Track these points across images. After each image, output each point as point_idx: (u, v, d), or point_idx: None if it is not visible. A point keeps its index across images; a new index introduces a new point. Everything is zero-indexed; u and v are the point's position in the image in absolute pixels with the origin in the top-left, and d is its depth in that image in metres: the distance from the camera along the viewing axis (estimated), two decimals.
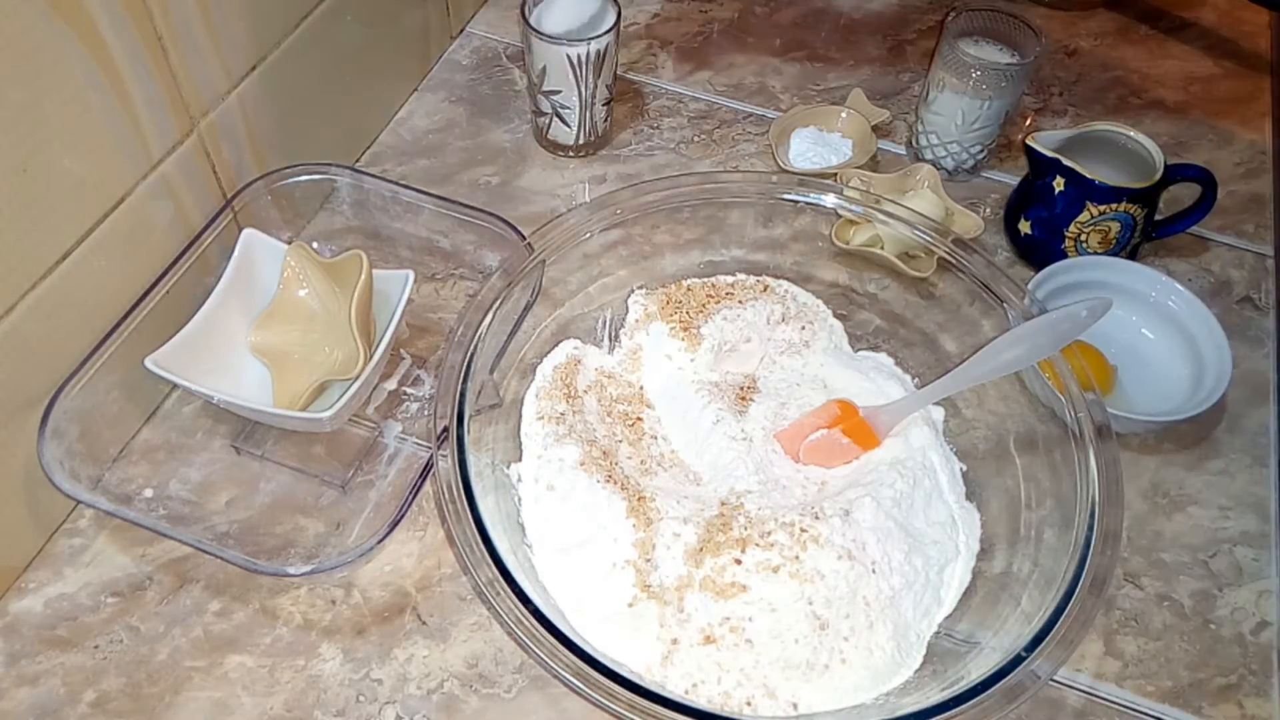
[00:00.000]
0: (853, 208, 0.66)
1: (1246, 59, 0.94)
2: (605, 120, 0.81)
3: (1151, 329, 0.71)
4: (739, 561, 0.54)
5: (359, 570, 0.59)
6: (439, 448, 0.53)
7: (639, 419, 0.64)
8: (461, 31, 0.92)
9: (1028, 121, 0.87)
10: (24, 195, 0.51)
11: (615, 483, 0.57)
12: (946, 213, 0.73)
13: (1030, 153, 0.73)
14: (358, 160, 0.81)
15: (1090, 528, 0.52)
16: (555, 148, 0.82)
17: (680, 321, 0.66)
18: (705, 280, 0.69)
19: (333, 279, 0.64)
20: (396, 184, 0.69)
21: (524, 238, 0.63)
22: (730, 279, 0.70)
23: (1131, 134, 0.72)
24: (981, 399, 0.64)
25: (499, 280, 0.59)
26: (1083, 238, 0.72)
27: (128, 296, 0.60)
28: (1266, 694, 0.57)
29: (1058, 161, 0.71)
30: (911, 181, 0.77)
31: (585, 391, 0.64)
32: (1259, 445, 0.67)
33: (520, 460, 0.60)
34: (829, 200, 0.65)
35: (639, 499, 0.57)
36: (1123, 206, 0.70)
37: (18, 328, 0.53)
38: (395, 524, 0.55)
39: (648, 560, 0.55)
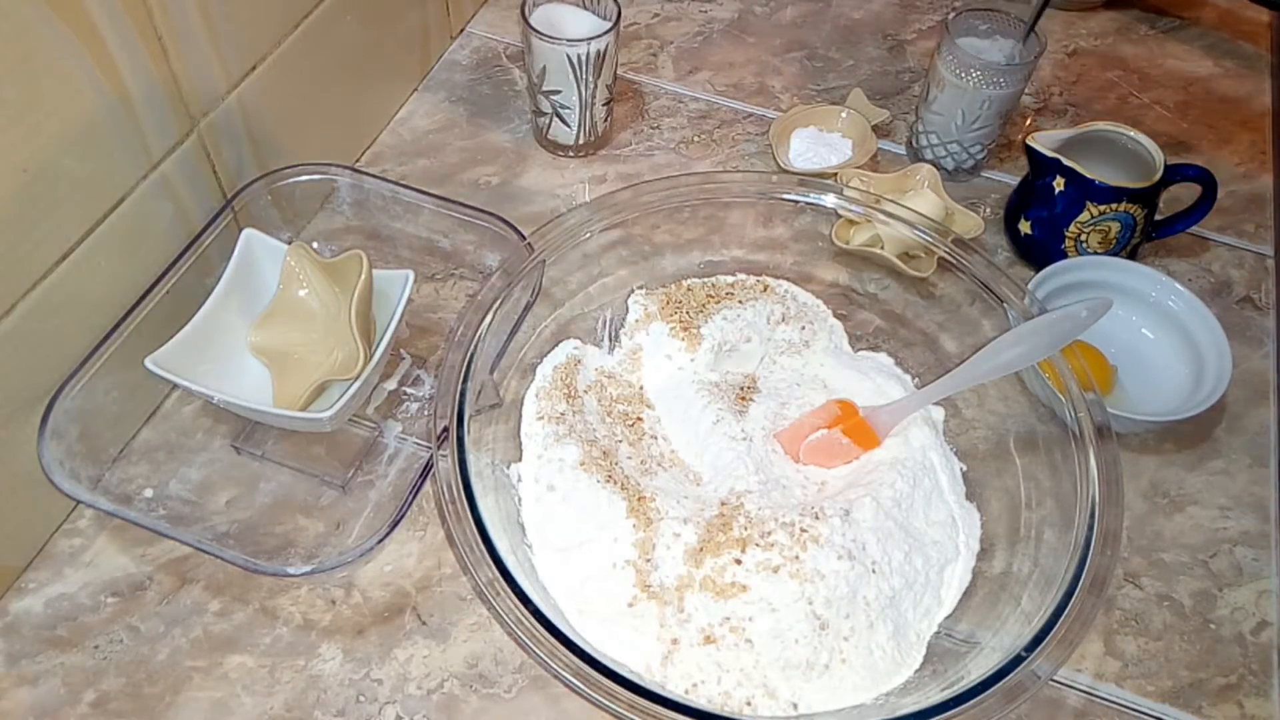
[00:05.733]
0: (853, 208, 0.66)
1: (1246, 59, 0.94)
2: (605, 120, 0.81)
3: (1151, 329, 0.71)
4: (739, 561, 0.54)
5: (359, 570, 0.59)
6: (439, 448, 0.53)
7: (639, 419, 0.64)
8: (461, 31, 0.92)
9: (1028, 121, 0.87)
10: (24, 195, 0.51)
11: (615, 483, 0.57)
12: (946, 213, 0.73)
13: (1030, 153, 0.73)
14: (358, 160, 0.81)
15: (1090, 528, 0.52)
16: (555, 148, 0.82)
17: (680, 321, 0.66)
18: (705, 280, 0.69)
19: (333, 279, 0.64)
20: (396, 184, 0.69)
21: (524, 238, 0.63)
22: (730, 279, 0.70)
23: (1131, 134, 0.72)
24: (981, 399, 0.64)
25: (499, 280, 0.59)
26: (1083, 238, 0.72)
27: (128, 296, 0.60)
28: (1266, 694, 0.57)
29: (1058, 161, 0.71)
30: (911, 181, 0.77)
31: (585, 391, 0.64)
32: (1259, 445, 0.67)
33: (520, 460, 0.60)
34: (829, 200, 0.66)
35: (639, 499, 0.57)
36: (1123, 206, 0.70)
37: (18, 328, 0.53)
38: (395, 524, 0.55)
39: (648, 560, 0.55)
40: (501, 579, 0.49)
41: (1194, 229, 0.75)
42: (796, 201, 0.66)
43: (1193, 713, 0.56)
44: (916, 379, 0.67)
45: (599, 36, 0.72)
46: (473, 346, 0.56)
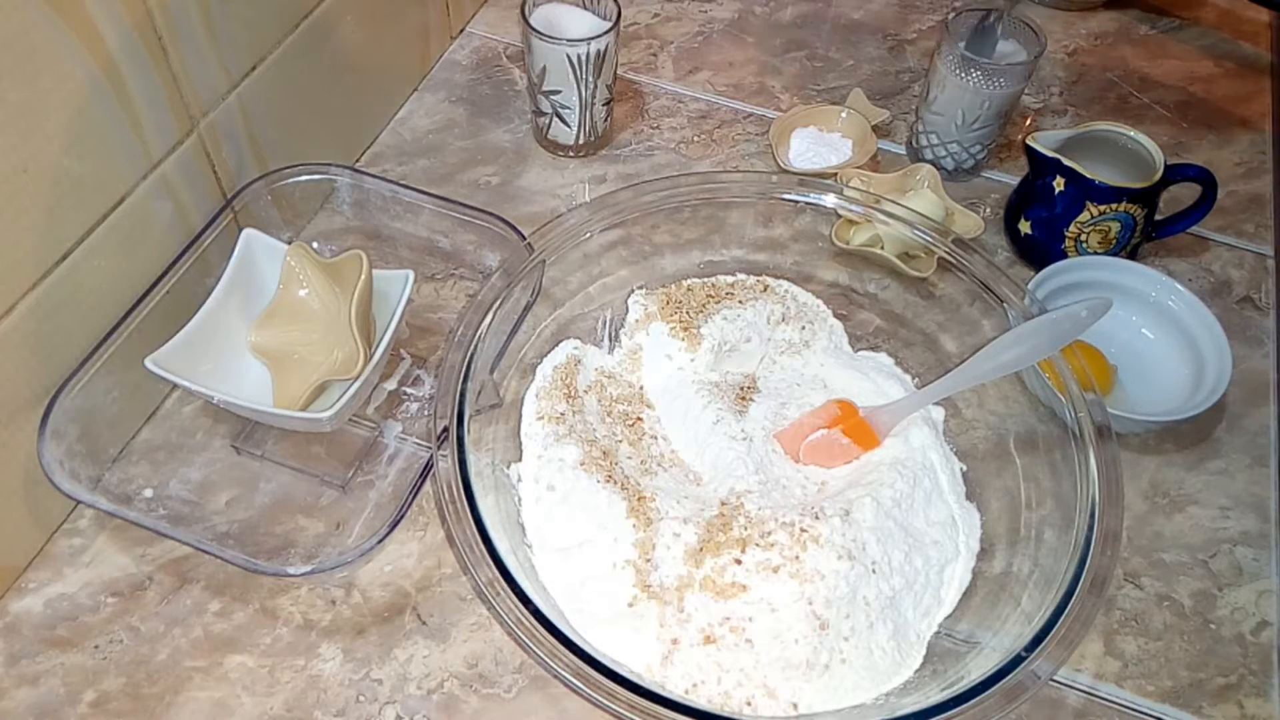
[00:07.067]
0: (853, 208, 0.66)
1: (1246, 59, 0.94)
2: (605, 120, 0.81)
3: (1151, 329, 0.71)
4: (739, 561, 0.54)
5: (359, 570, 0.59)
6: (439, 448, 0.53)
7: (639, 419, 0.64)
8: (461, 31, 0.92)
9: (1028, 121, 0.87)
10: (24, 195, 0.51)
11: (615, 483, 0.57)
12: (946, 213, 0.73)
13: (1030, 153, 0.73)
14: (358, 160, 0.81)
15: (1090, 528, 0.52)
16: (555, 148, 0.82)
17: (680, 321, 0.65)
18: (705, 280, 0.69)
19: (333, 279, 0.64)
20: (396, 184, 0.69)
21: (524, 238, 0.63)
22: (730, 279, 0.70)
23: (1131, 134, 0.72)
24: (981, 399, 0.64)
25: (499, 280, 0.59)
26: (1083, 238, 0.72)
27: (128, 296, 0.60)
28: (1266, 694, 0.57)
29: (1058, 161, 0.71)
30: (911, 181, 0.77)
31: (585, 391, 0.64)
32: (1259, 445, 0.67)
33: (520, 460, 0.60)
34: (829, 200, 0.66)
35: (639, 499, 0.57)
36: (1123, 206, 0.70)
37: (18, 328, 0.53)
38: (395, 524, 0.55)
39: (648, 560, 0.55)
40: (501, 579, 0.49)
41: (1194, 229, 0.75)
42: (796, 201, 0.66)
43: (1193, 713, 0.56)
44: (916, 379, 0.67)
45: (599, 36, 0.72)
46: (473, 346, 0.56)
